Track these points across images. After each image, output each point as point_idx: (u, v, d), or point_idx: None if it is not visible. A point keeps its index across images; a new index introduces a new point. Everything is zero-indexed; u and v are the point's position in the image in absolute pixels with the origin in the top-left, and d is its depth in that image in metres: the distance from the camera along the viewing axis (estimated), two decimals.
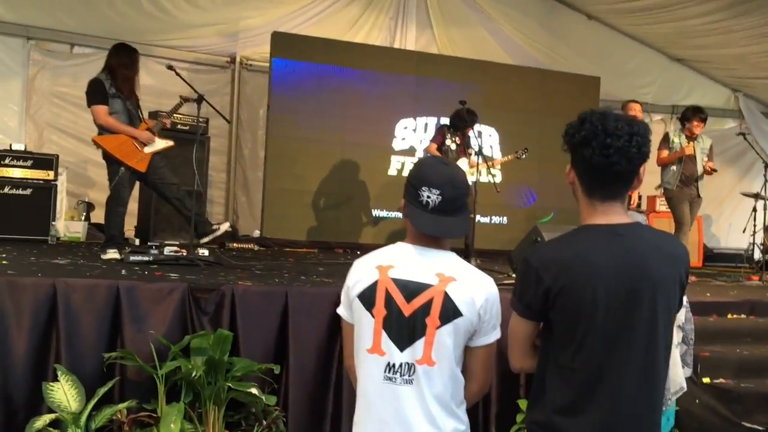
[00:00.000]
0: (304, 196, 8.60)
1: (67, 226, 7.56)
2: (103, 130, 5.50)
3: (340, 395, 4.03)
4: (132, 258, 5.05)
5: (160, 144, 5.62)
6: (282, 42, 8.51)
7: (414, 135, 9.06)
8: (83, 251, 6.16)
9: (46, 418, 3.17)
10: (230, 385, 3.49)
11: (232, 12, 9.10)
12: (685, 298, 3.00)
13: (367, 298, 2.05)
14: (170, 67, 5.74)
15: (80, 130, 7.90)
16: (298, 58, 8.52)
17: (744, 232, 8.54)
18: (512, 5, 10.13)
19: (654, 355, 1.92)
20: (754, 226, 8.17)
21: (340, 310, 2.19)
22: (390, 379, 2.01)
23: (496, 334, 2.11)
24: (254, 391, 3.51)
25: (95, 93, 5.45)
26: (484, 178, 7.32)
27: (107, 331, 3.69)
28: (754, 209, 8.18)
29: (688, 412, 3.59)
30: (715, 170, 7.25)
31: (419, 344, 2.00)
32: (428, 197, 2.04)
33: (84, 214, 7.83)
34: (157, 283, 3.95)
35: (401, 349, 2.01)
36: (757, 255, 9.21)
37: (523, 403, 4.08)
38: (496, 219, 9.19)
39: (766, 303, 5.64)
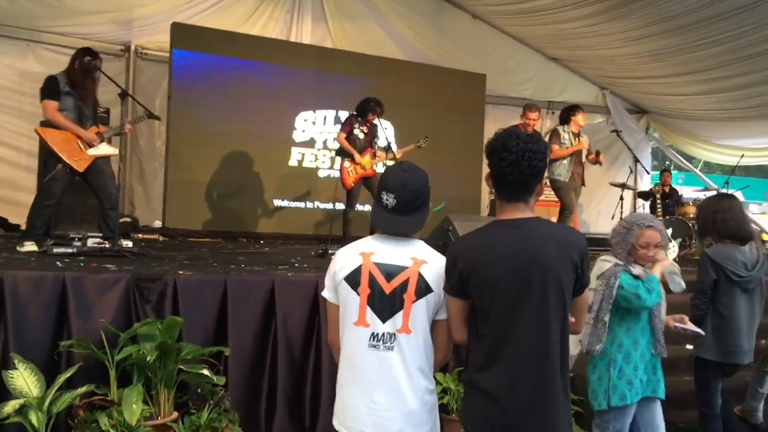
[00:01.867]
0: (205, 187, 8.68)
1: None
2: (50, 125, 5.60)
3: (275, 375, 4.32)
4: (55, 250, 5.07)
5: (105, 150, 5.68)
6: (182, 33, 8.52)
7: (314, 127, 9.35)
8: None
9: (15, 403, 3.26)
10: (182, 367, 3.70)
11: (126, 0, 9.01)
12: (596, 282, 3.49)
13: (353, 279, 2.43)
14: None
15: None
16: (198, 50, 8.56)
17: (612, 218, 9.38)
18: (402, 3, 10.55)
19: (546, 324, 2.31)
20: (621, 212, 9.06)
21: (326, 293, 2.55)
22: (374, 346, 2.40)
23: None
24: (206, 372, 3.74)
25: (47, 88, 5.58)
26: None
27: (54, 321, 3.80)
28: (621, 198, 9.11)
29: (581, 377, 4.13)
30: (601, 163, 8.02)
31: (398, 316, 2.40)
32: (386, 200, 2.47)
33: None
34: (101, 274, 4.07)
35: (383, 320, 2.40)
36: None
37: None
38: None
39: None
